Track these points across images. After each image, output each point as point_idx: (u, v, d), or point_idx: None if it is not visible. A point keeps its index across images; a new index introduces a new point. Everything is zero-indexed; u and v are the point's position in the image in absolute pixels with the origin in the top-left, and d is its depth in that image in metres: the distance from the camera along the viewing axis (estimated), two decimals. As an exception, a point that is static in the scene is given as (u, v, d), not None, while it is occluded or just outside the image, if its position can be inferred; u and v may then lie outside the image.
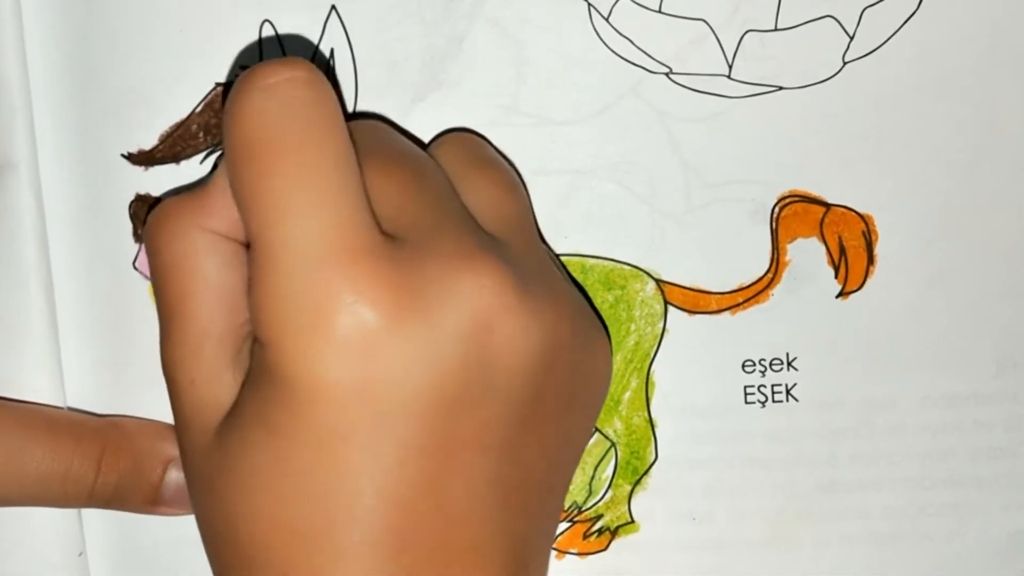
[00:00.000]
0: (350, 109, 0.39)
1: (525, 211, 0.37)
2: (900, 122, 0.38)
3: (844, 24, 0.38)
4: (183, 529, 0.39)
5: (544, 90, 0.38)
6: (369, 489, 0.30)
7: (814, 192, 0.39)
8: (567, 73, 0.38)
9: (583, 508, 0.40)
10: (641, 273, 0.39)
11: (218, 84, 0.39)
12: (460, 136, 0.38)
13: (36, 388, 0.39)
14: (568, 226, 0.39)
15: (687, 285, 0.39)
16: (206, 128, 0.39)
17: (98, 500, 0.38)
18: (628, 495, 0.40)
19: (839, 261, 0.39)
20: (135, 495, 0.38)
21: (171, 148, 0.39)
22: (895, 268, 0.39)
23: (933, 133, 0.38)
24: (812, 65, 0.38)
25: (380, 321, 0.30)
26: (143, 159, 0.39)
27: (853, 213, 0.39)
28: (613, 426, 0.39)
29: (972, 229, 0.39)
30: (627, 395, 0.39)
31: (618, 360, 0.39)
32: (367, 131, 0.34)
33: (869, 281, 0.39)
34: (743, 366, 0.39)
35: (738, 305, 0.39)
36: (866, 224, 0.39)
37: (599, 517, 0.40)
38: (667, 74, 0.38)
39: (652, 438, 0.40)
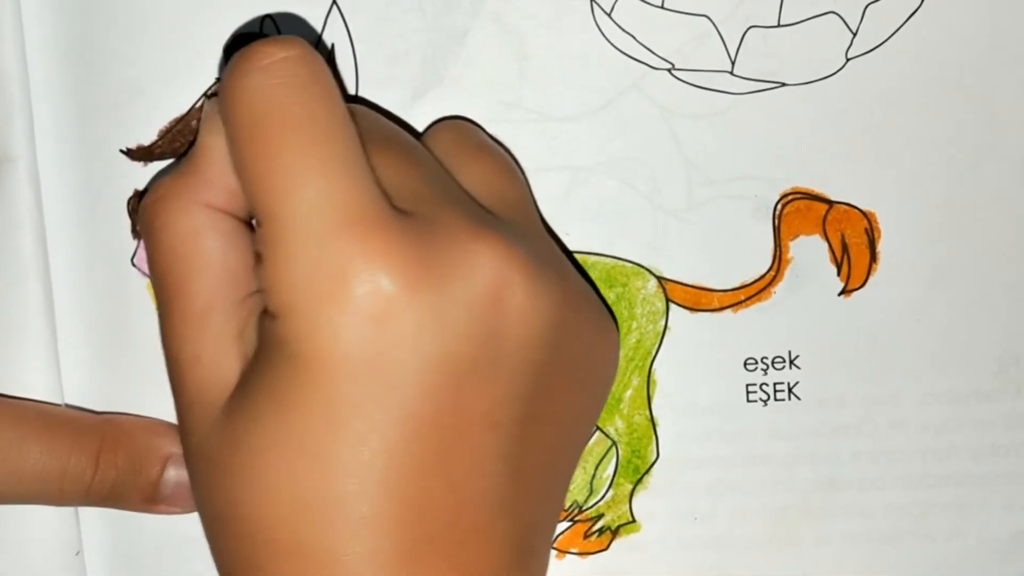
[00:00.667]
0: (350, 106, 0.39)
1: (525, 194, 0.37)
2: (903, 119, 0.38)
3: (847, 20, 0.38)
4: (181, 528, 0.39)
5: (546, 86, 0.38)
6: (379, 463, 0.30)
7: (816, 189, 0.39)
8: (569, 69, 0.38)
9: (584, 507, 0.40)
10: (643, 270, 0.39)
11: (218, 79, 0.39)
12: (454, 123, 0.38)
13: (33, 384, 0.39)
14: (569, 223, 0.39)
15: (689, 282, 0.39)
16: (205, 124, 0.39)
17: (95, 498, 0.37)
18: (629, 494, 0.40)
19: (841, 259, 0.39)
20: (133, 493, 0.38)
21: (170, 143, 0.39)
22: (897, 266, 0.39)
23: (936, 130, 0.38)
24: (815, 62, 0.38)
25: (394, 290, 0.30)
26: (142, 154, 0.39)
27: (856, 210, 0.39)
28: (614, 425, 0.39)
29: (974, 226, 0.39)
30: (628, 393, 0.39)
31: (619, 358, 0.39)
32: (360, 114, 0.34)
33: (871, 279, 0.39)
34: (745, 364, 0.39)
35: (740, 303, 0.39)
36: (868, 221, 0.39)
37: (600, 516, 0.40)
38: (670, 70, 0.38)
39: (653, 437, 0.39)
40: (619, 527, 0.40)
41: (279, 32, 0.38)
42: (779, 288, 0.39)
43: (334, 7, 0.38)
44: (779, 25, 0.38)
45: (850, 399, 0.39)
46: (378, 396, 0.30)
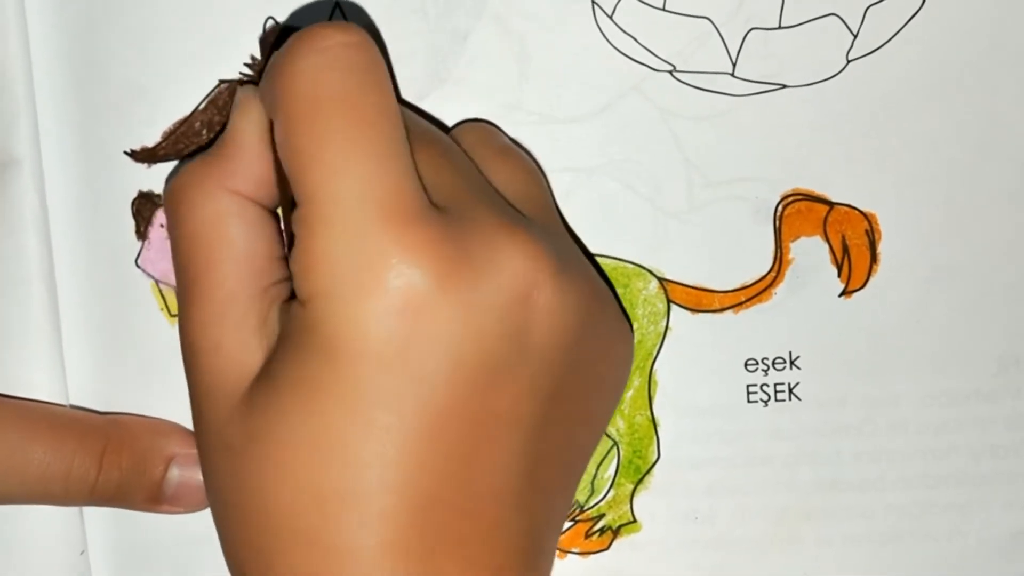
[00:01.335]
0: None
1: (547, 194, 0.37)
2: (903, 120, 0.38)
3: (848, 22, 0.38)
4: (185, 527, 0.39)
5: (547, 88, 0.38)
6: (404, 457, 0.30)
7: (817, 191, 0.39)
8: (571, 71, 0.38)
9: (585, 507, 0.40)
10: (644, 271, 0.39)
11: (221, 81, 0.39)
12: (478, 124, 0.38)
13: (38, 385, 0.39)
14: (571, 224, 0.39)
15: (690, 283, 0.39)
16: (209, 125, 0.39)
17: (100, 498, 0.38)
18: (630, 494, 0.40)
19: (842, 260, 0.39)
20: (137, 493, 0.38)
21: (174, 145, 0.39)
22: (898, 267, 0.39)
23: (936, 131, 0.38)
24: (816, 63, 0.38)
25: (429, 284, 0.30)
26: (146, 156, 0.39)
27: (856, 212, 0.39)
28: (615, 425, 0.39)
29: (975, 228, 0.39)
30: (629, 394, 0.39)
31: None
32: (403, 109, 0.34)
33: (872, 280, 0.39)
34: (746, 365, 0.39)
35: (741, 304, 0.39)
36: (869, 223, 0.39)
37: (601, 516, 0.40)
38: (671, 72, 0.38)
39: (654, 437, 0.39)
40: (620, 527, 0.40)
41: (284, 30, 0.38)
42: (780, 289, 0.39)
43: (337, 8, 0.38)
44: (780, 27, 0.38)
45: (851, 400, 0.39)
46: (405, 390, 0.30)
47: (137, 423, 0.39)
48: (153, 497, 0.38)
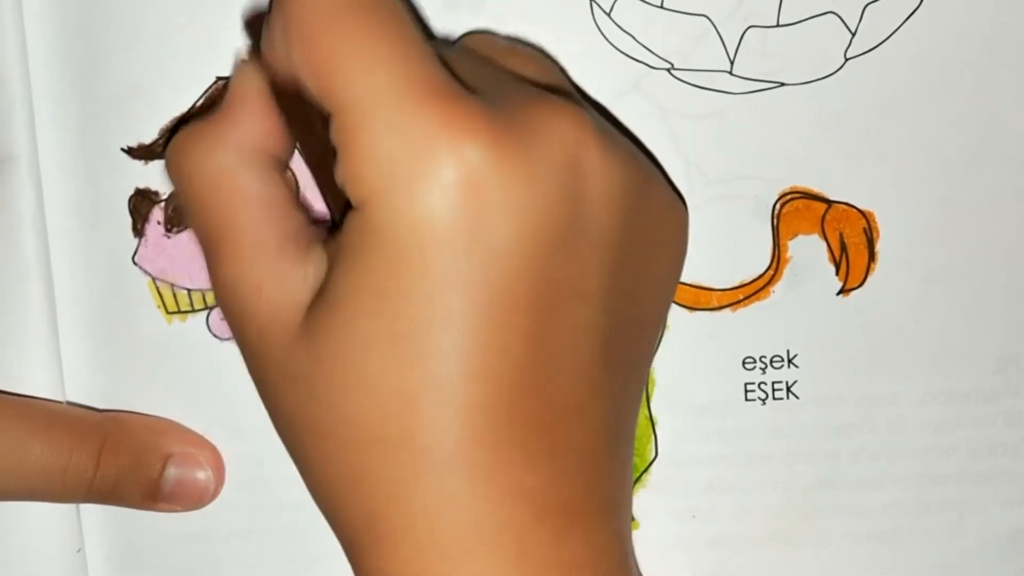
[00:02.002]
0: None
1: (564, 79, 0.37)
2: (902, 119, 0.38)
3: (846, 20, 0.38)
4: (181, 525, 0.40)
5: (546, 86, 0.38)
6: (482, 341, 0.30)
7: (815, 189, 0.39)
8: (569, 69, 0.38)
9: (583, 505, 0.40)
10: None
11: (219, 78, 0.39)
12: (479, 33, 0.38)
13: (35, 382, 0.39)
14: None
15: (688, 282, 0.39)
16: (206, 123, 0.39)
17: (97, 495, 0.38)
18: (628, 492, 0.40)
19: (840, 258, 0.39)
20: (134, 490, 0.38)
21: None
22: (896, 265, 0.39)
23: (935, 130, 0.38)
24: (814, 61, 0.38)
25: (485, 157, 0.30)
26: (144, 153, 0.39)
27: (854, 210, 0.39)
28: (613, 423, 0.39)
29: (973, 226, 0.39)
30: (627, 392, 0.39)
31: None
32: None
33: (870, 278, 0.39)
34: (744, 363, 0.39)
35: (739, 302, 0.39)
36: (867, 221, 0.39)
37: (599, 514, 0.40)
38: (669, 70, 0.38)
39: (652, 435, 0.39)
40: (618, 525, 0.40)
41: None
42: (778, 287, 0.39)
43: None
44: (778, 25, 0.38)
45: (849, 398, 0.39)
46: (475, 271, 0.30)
47: (135, 420, 0.39)
48: (150, 495, 0.38)
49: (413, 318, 0.30)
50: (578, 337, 0.32)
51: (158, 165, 0.39)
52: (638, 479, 0.40)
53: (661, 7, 0.38)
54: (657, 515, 0.39)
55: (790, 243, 0.39)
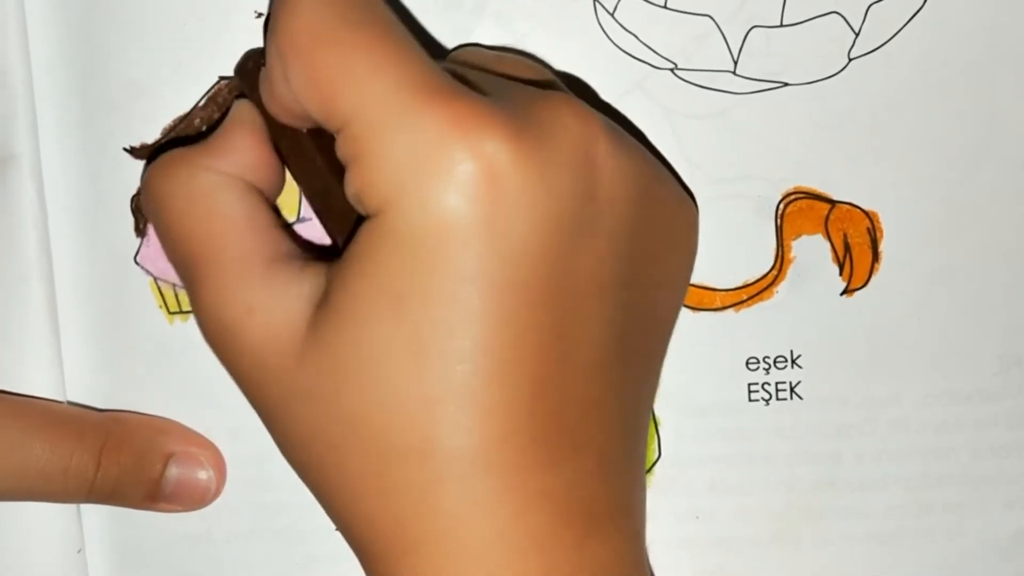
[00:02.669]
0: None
1: (560, 83, 0.37)
2: (905, 119, 0.38)
3: (850, 20, 0.38)
4: (182, 526, 0.39)
5: (549, 85, 0.38)
6: (503, 341, 0.30)
7: (819, 189, 0.39)
8: (572, 69, 0.38)
9: (585, 506, 0.40)
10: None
11: (221, 78, 0.39)
12: (464, 48, 0.38)
13: (36, 382, 0.39)
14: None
15: (692, 282, 0.39)
16: (208, 122, 0.39)
17: (98, 495, 0.37)
18: (630, 493, 0.40)
19: (844, 258, 0.39)
20: (135, 490, 0.38)
21: (174, 142, 0.39)
22: (899, 265, 0.39)
23: (938, 130, 0.38)
24: (817, 61, 0.38)
25: (498, 152, 0.29)
26: (145, 153, 0.39)
27: (858, 210, 0.39)
28: (616, 423, 0.39)
29: (976, 227, 0.39)
30: (630, 392, 0.39)
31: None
32: None
33: (873, 278, 0.39)
34: (747, 363, 0.39)
35: (742, 302, 0.39)
36: (871, 221, 0.39)
37: (601, 515, 0.40)
38: (672, 70, 0.38)
39: (655, 436, 0.39)
40: (621, 526, 0.40)
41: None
42: (781, 288, 0.39)
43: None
44: (782, 25, 0.38)
45: (852, 399, 0.39)
46: (494, 266, 0.29)
47: (136, 420, 0.39)
48: (151, 495, 0.38)
49: (434, 319, 0.29)
50: (594, 331, 0.31)
51: (160, 164, 0.39)
52: (640, 480, 0.40)
53: (664, 7, 0.38)
54: (660, 516, 0.39)
55: (794, 243, 0.39)
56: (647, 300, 0.34)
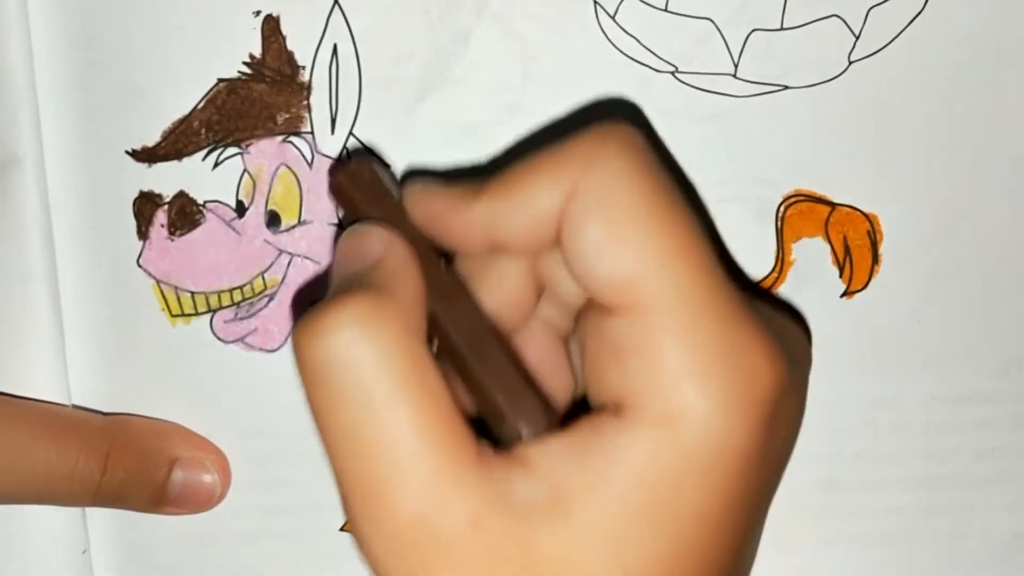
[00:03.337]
0: (353, 106, 0.38)
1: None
2: (905, 122, 0.38)
3: (850, 24, 0.38)
4: (186, 527, 0.40)
5: (549, 88, 0.38)
6: (746, 555, 0.30)
7: (819, 192, 0.39)
8: (572, 71, 0.38)
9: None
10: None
11: (220, 80, 0.39)
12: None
13: (40, 385, 0.39)
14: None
15: (692, 284, 0.39)
16: (208, 125, 0.39)
17: (103, 499, 0.38)
18: (631, 493, 0.40)
19: (844, 261, 0.39)
20: (140, 494, 0.38)
21: (174, 144, 0.39)
22: (899, 268, 0.39)
23: (938, 133, 0.38)
24: (818, 65, 0.38)
25: (785, 378, 0.29)
26: (147, 156, 0.39)
27: (858, 213, 0.39)
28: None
29: (976, 229, 0.39)
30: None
31: None
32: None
33: (874, 280, 0.39)
34: (747, 365, 0.39)
35: (742, 304, 0.39)
36: (871, 224, 0.39)
37: (602, 514, 0.40)
38: (673, 73, 0.38)
39: (656, 436, 0.39)
40: (622, 526, 0.40)
41: (279, 32, 0.38)
42: (782, 290, 0.39)
43: (336, 7, 0.38)
44: (782, 28, 0.38)
45: (852, 400, 0.39)
46: (758, 490, 0.29)
47: (141, 425, 0.39)
48: (157, 499, 0.38)
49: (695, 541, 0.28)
50: (747, 551, 0.31)
51: (161, 168, 0.39)
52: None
53: (665, 10, 0.38)
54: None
55: (794, 246, 0.39)
56: (768, 506, 0.32)
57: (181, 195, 0.39)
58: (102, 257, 0.39)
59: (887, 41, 0.38)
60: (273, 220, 0.39)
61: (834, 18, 0.38)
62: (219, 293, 0.39)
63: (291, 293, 0.39)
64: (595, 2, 0.38)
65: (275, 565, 0.40)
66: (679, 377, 0.27)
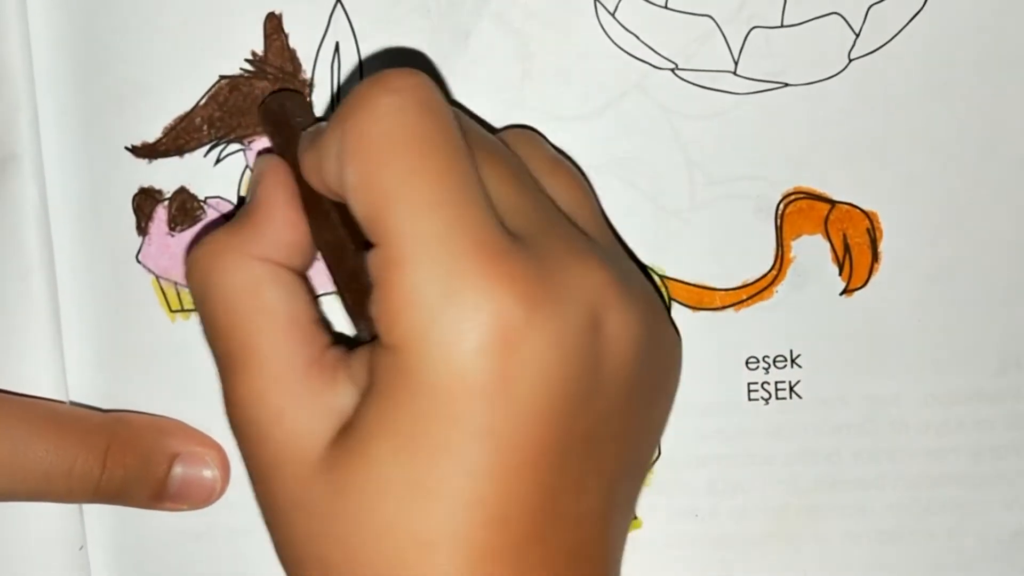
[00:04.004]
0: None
1: (596, 207, 0.37)
2: (905, 119, 0.38)
3: (850, 21, 0.38)
4: (184, 523, 0.40)
5: (549, 86, 0.38)
6: (503, 493, 0.30)
7: (819, 189, 0.39)
8: (572, 68, 0.38)
9: (585, 504, 0.40)
10: (645, 269, 0.39)
11: (222, 77, 0.39)
12: (527, 133, 0.37)
13: (38, 381, 0.39)
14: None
15: (691, 281, 0.39)
16: (210, 121, 0.39)
17: (103, 495, 0.38)
18: (630, 491, 0.40)
19: (843, 258, 0.39)
20: (140, 491, 0.38)
21: (175, 141, 0.39)
22: (899, 265, 0.39)
23: (938, 131, 0.38)
24: (818, 62, 0.38)
25: (521, 316, 0.30)
26: (147, 152, 0.39)
27: (858, 210, 0.39)
28: (616, 422, 0.39)
29: (976, 227, 0.39)
30: (630, 391, 0.39)
31: None
32: (464, 124, 0.33)
33: (873, 278, 0.39)
34: (747, 363, 0.39)
35: (742, 302, 0.39)
36: (870, 221, 0.39)
37: (601, 513, 0.40)
38: (673, 70, 0.38)
39: (655, 434, 0.39)
40: (621, 524, 0.40)
41: (282, 31, 0.38)
42: (781, 287, 0.39)
43: (338, 5, 0.38)
44: (782, 25, 0.38)
45: (851, 398, 0.39)
46: (503, 424, 0.30)
47: (140, 421, 0.39)
48: (157, 495, 0.38)
49: (440, 468, 0.30)
50: (588, 483, 0.32)
51: (161, 163, 0.39)
52: (640, 478, 0.40)
53: (665, 7, 0.38)
54: (659, 515, 0.39)
55: (793, 243, 0.39)
56: (634, 447, 0.35)
57: (182, 191, 0.39)
58: (101, 253, 0.39)
59: (887, 39, 0.38)
60: (273, 216, 0.39)
61: (834, 15, 0.38)
62: (218, 289, 0.39)
63: (290, 289, 0.39)
64: (596, -1, 0.38)
65: (272, 561, 0.40)
66: (401, 307, 0.30)
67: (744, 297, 0.39)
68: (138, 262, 0.39)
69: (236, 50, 0.39)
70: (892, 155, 0.38)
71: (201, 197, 0.39)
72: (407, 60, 0.38)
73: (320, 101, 0.39)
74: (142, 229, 0.39)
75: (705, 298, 0.39)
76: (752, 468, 0.39)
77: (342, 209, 0.33)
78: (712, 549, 0.40)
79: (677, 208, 0.39)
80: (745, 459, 0.39)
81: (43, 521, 0.39)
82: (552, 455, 0.31)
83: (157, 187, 0.39)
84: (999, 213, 0.39)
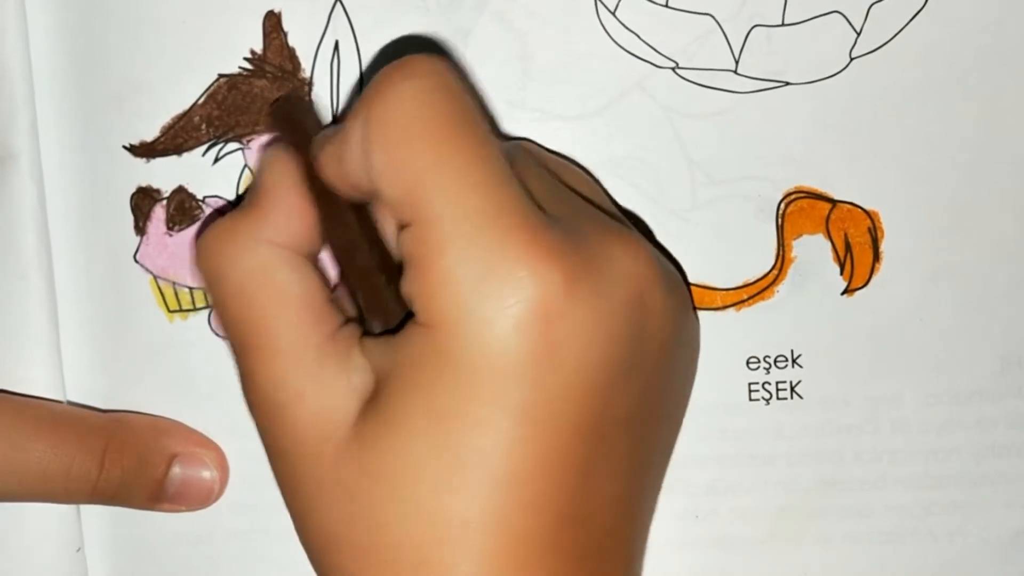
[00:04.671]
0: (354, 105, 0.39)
1: (607, 201, 0.37)
2: (906, 119, 0.38)
3: (851, 20, 0.38)
4: (181, 525, 0.39)
5: (550, 85, 0.38)
6: (539, 473, 0.30)
7: (820, 188, 0.39)
8: (573, 68, 0.38)
9: (585, 505, 0.40)
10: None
11: (220, 75, 0.39)
12: (527, 143, 0.37)
13: (36, 381, 0.39)
14: (573, 221, 0.39)
15: (692, 281, 0.39)
16: (208, 120, 0.39)
17: (101, 496, 0.38)
18: (630, 492, 0.40)
19: (844, 258, 0.39)
20: (138, 491, 0.38)
21: (173, 140, 0.39)
22: (900, 265, 0.39)
23: (939, 130, 0.38)
24: (819, 61, 0.38)
25: (561, 292, 0.30)
26: (145, 151, 0.39)
27: (859, 210, 0.39)
28: (616, 422, 0.39)
29: (977, 226, 0.39)
30: (630, 391, 0.39)
31: None
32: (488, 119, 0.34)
33: (874, 278, 0.39)
34: (747, 363, 0.39)
35: (743, 302, 0.39)
36: (872, 221, 0.39)
37: (601, 514, 0.40)
38: (673, 69, 0.38)
39: (655, 435, 0.39)
40: (621, 525, 0.40)
41: (281, 30, 0.38)
42: (782, 287, 0.39)
43: (338, 4, 0.38)
44: (783, 24, 0.38)
45: (852, 398, 0.39)
46: (541, 403, 0.30)
47: (139, 421, 0.39)
48: (155, 496, 0.38)
49: (475, 445, 0.30)
50: (620, 466, 0.32)
51: (159, 163, 0.39)
52: (641, 479, 0.40)
53: (666, 6, 0.38)
54: (660, 515, 0.39)
55: (794, 243, 0.39)
56: (660, 432, 0.34)
57: (180, 190, 0.39)
58: (99, 252, 0.39)
59: (888, 37, 0.38)
60: (272, 215, 0.39)
61: (835, 14, 0.38)
62: (217, 289, 0.39)
63: (290, 289, 0.39)
64: (596, -2, 0.38)
65: (270, 563, 0.40)
66: (441, 284, 0.30)
67: (745, 297, 0.39)
68: (136, 262, 0.39)
69: (235, 48, 0.39)
70: (893, 154, 0.38)
71: (199, 196, 0.39)
72: (423, 48, 0.38)
73: (319, 100, 0.39)
74: (140, 228, 0.39)
75: (706, 298, 0.39)
76: (753, 468, 0.39)
77: (356, 207, 0.33)
78: (712, 550, 0.39)
79: (678, 207, 0.39)
80: (746, 459, 0.39)
81: (40, 522, 0.39)
82: (590, 433, 0.31)
83: (155, 186, 0.39)
84: (1000, 212, 0.39)
